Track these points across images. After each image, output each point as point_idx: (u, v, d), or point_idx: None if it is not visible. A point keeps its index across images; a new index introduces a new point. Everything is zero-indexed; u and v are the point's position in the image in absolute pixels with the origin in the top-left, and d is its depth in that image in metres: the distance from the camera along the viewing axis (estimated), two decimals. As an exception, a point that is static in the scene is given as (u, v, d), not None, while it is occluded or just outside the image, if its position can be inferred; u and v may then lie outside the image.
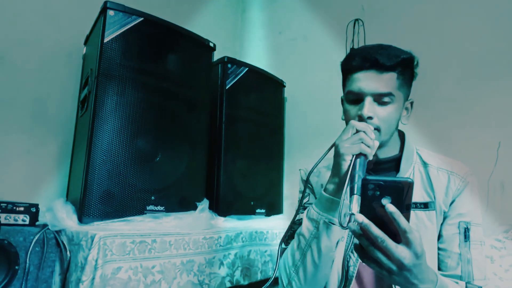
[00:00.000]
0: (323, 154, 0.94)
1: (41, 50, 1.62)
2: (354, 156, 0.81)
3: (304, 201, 1.07)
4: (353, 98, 0.92)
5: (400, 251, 0.65)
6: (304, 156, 2.16)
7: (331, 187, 0.86)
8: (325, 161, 0.98)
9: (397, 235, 0.65)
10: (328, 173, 1.05)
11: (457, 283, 0.84)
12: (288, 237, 1.00)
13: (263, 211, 1.86)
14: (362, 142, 0.81)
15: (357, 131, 0.84)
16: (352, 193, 0.74)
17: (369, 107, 0.87)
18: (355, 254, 0.94)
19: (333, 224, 0.85)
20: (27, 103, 1.57)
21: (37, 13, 1.61)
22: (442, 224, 0.92)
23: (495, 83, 1.50)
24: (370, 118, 0.87)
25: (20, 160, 1.54)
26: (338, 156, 0.84)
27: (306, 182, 1.03)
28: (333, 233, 0.86)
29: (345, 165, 0.82)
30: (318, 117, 2.15)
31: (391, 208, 0.64)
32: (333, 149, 0.90)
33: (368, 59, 0.87)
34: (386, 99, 0.88)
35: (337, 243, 0.90)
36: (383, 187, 0.66)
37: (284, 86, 2.18)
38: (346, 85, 0.94)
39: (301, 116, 2.24)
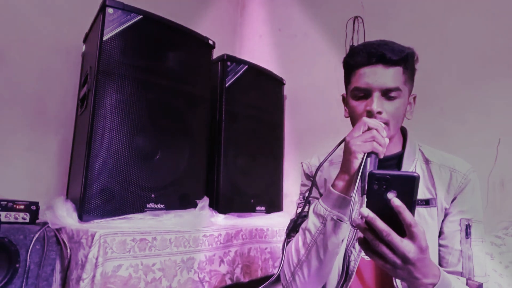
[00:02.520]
0: (332, 150, 0.93)
1: (41, 48, 1.62)
2: (366, 154, 0.81)
3: (306, 194, 1.06)
4: (360, 94, 0.91)
5: (404, 245, 0.65)
6: (303, 154, 2.16)
7: (340, 184, 0.85)
8: (326, 155, 0.97)
9: (402, 229, 0.65)
10: (331, 167, 1.05)
11: (458, 279, 0.84)
12: (291, 231, 0.99)
13: (263, 208, 1.86)
14: (374, 140, 0.81)
15: (369, 129, 0.83)
16: (363, 193, 0.73)
17: (378, 102, 0.87)
18: (356, 249, 0.94)
19: (342, 221, 0.85)
20: (27, 101, 1.57)
21: (36, 11, 1.61)
22: (443, 220, 0.92)
23: (496, 80, 1.50)
24: (379, 113, 0.87)
25: (20, 158, 1.53)
26: (349, 154, 0.83)
27: (314, 179, 1.01)
28: (341, 230, 0.85)
29: (356, 163, 0.81)
30: (318, 114, 2.15)
31: (396, 202, 0.64)
32: (341, 147, 0.89)
33: (374, 54, 0.87)
34: (393, 93, 0.88)
35: (342, 240, 0.90)
36: (389, 181, 0.66)
37: (284, 84, 2.18)
38: (352, 81, 0.93)
39: (301, 114, 2.24)
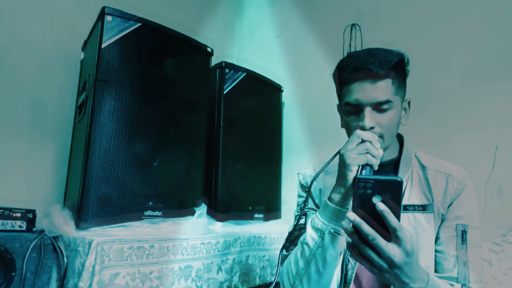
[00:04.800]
0: (326, 163, 0.93)
1: (39, 55, 1.62)
2: (360, 166, 0.81)
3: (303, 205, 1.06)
4: (351, 110, 0.91)
5: (390, 249, 0.66)
6: (302, 160, 2.16)
7: (336, 197, 0.85)
8: (323, 165, 0.97)
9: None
10: (326, 177, 1.05)
11: (452, 285, 0.84)
12: (289, 243, 0.99)
13: (261, 215, 1.86)
14: (368, 153, 0.81)
15: (363, 141, 0.83)
16: None
17: (369, 117, 0.87)
18: None
19: (339, 234, 0.85)
20: (25, 108, 1.57)
21: (35, 19, 1.62)
22: (439, 226, 0.92)
23: (493, 86, 1.51)
24: (372, 128, 0.87)
25: (17, 165, 1.53)
26: (344, 167, 0.83)
27: (309, 190, 1.01)
28: (339, 243, 0.86)
29: (351, 176, 0.81)
30: (316, 121, 2.16)
31: (381, 206, 0.66)
32: (336, 158, 0.89)
33: (361, 70, 0.87)
34: (385, 106, 0.88)
35: (341, 252, 0.90)
36: (374, 186, 0.68)
37: (282, 91, 2.19)
38: (343, 97, 0.93)
39: (299, 121, 2.25)
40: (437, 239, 0.92)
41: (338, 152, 0.88)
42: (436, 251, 0.91)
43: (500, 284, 1.31)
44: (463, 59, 1.61)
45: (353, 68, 0.88)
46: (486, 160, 1.47)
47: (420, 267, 0.72)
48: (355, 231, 0.68)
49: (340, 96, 0.97)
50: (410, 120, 0.99)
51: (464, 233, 0.89)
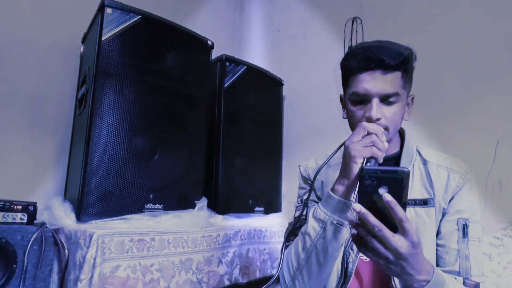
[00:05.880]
0: (331, 154, 0.92)
1: (39, 48, 1.61)
2: (365, 159, 0.81)
3: (304, 197, 1.06)
4: (358, 99, 0.90)
5: (396, 240, 0.65)
6: (302, 154, 2.16)
7: (340, 188, 0.84)
8: (325, 157, 0.97)
9: (394, 224, 0.66)
10: (329, 170, 1.05)
11: (455, 278, 0.84)
12: (289, 234, 0.99)
13: (261, 209, 1.86)
14: (373, 145, 0.80)
15: (368, 133, 0.82)
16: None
17: (377, 108, 0.86)
18: (354, 251, 0.94)
19: (342, 226, 0.84)
20: (25, 101, 1.57)
21: (35, 12, 1.61)
22: (441, 220, 0.92)
23: (494, 81, 1.51)
24: (378, 119, 0.87)
25: (18, 158, 1.53)
26: (349, 158, 0.82)
27: (312, 183, 1.00)
28: (341, 234, 0.85)
29: (356, 168, 0.80)
30: (316, 115, 2.15)
31: (387, 197, 0.65)
32: (340, 150, 0.88)
33: (373, 60, 0.86)
34: (392, 99, 0.87)
35: (342, 244, 0.90)
36: (380, 177, 0.67)
37: (282, 85, 2.18)
38: (350, 86, 0.92)
39: (299, 114, 2.24)
40: (438, 233, 0.92)
41: (343, 144, 0.87)
42: (437, 245, 0.91)
43: (500, 277, 1.31)
44: (464, 53, 1.60)
45: (364, 57, 0.87)
46: (487, 155, 1.47)
47: (425, 259, 0.71)
48: (361, 222, 0.67)
49: (346, 85, 0.96)
50: (412, 115, 0.99)
51: (465, 227, 0.89)
